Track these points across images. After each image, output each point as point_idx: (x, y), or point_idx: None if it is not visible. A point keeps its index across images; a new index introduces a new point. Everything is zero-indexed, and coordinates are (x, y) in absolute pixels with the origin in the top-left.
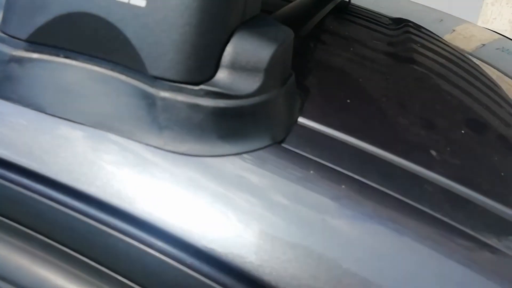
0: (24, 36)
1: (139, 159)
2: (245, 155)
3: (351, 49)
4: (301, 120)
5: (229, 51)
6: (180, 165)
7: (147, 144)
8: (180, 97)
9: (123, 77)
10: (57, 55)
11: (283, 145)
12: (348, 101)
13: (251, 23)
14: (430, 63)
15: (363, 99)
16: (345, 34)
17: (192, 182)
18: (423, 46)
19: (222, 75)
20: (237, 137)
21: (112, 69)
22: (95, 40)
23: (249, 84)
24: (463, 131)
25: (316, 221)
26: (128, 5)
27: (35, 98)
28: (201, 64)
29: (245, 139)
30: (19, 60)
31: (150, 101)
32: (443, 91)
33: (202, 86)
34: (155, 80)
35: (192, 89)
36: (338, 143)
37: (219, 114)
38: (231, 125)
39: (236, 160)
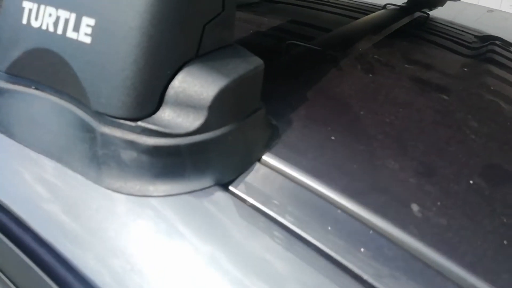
0: (3, 68)
1: (75, 191)
2: (178, 197)
3: (393, 75)
4: (266, 158)
5: (174, 86)
6: (112, 201)
7: (86, 178)
8: (118, 133)
9: (74, 110)
10: (29, 87)
11: (231, 187)
12: (333, 138)
13: (210, 56)
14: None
15: (359, 136)
16: (403, 55)
17: (118, 218)
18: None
19: (164, 112)
20: (172, 177)
21: (67, 102)
22: (54, 74)
23: (190, 122)
24: None
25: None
26: (76, 41)
27: (8, 125)
28: (140, 101)
29: (181, 180)
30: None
31: (92, 136)
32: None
33: (139, 123)
34: (100, 114)
35: (130, 126)
36: (299, 189)
37: (153, 153)
38: (167, 164)
39: (167, 201)
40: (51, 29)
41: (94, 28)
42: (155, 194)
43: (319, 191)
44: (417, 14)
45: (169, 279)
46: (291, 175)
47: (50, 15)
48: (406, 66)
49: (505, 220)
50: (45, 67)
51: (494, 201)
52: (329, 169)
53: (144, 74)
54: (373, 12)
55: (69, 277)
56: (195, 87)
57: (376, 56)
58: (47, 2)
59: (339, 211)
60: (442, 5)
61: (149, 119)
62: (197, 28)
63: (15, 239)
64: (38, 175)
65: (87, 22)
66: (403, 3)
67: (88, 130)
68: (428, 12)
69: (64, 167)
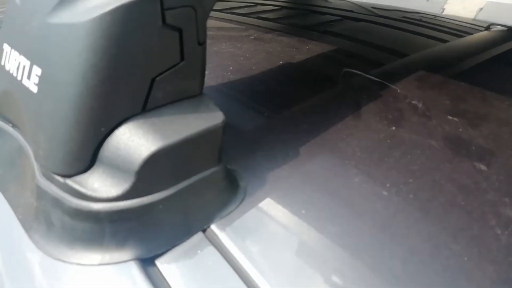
0: None
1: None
2: (95, 268)
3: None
4: (213, 228)
5: (108, 145)
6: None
7: (22, 226)
8: (49, 188)
9: (30, 155)
10: (7, 123)
11: (157, 262)
12: (303, 211)
13: (158, 111)
14: None
15: (335, 216)
16: (458, 99)
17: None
18: None
19: (94, 171)
20: (90, 245)
21: (26, 145)
22: (18, 116)
23: (116, 186)
24: None
25: None
26: (28, 89)
27: None
28: (71, 158)
29: (99, 249)
30: None
31: (33, 185)
32: None
33: (68, 181)
34: (38, 165)
35: (60, 182)
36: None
37: (74, 215)
38: (86, 230)
39: (80, 271)
40: (14, 73)
41: (40, 78)
42: (69, 260)
43: (256, 285)
44: None
45: None
46: (235, 260)
47: (15, 59)
48: (449, 117)
49: None
50: (13, 108)
51: None
52: (281, 255)
53: (76, 131)
54: (471, 34)
55: None
56: (127, 148)
57: (418, 101)
58: (15, 47)
59: None
60: None
61: (78, 177)
62: (144, 82)
63: None
64: None
65: (36, 71)
66: None
67: (32, 178)
68: None
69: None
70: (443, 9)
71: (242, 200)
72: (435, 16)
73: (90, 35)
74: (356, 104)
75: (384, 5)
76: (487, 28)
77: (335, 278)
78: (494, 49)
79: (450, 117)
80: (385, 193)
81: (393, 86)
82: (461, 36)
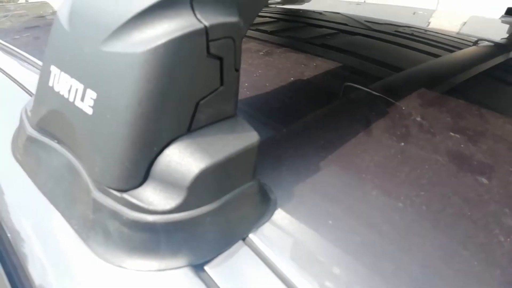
0: (35, 122)
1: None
2: (151, 273)
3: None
4: (252, 237)
5: (159, 162)
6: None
7: (79, 236)
8: (106, 202)
9: (81, 171)
10: (53, 140)
11: (206, 267)
12: (330, 222)
13: (202, 132)
14: None
15: (358, 225)
16: (457, 116)
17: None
18: None
19: (148, 186)
20: (147, 253)
21: (77, 162)
22: (68, 134)
23: (169, 200)
24: None
25: None
26: (82, 111)
27: (34, 173)
28: (126, 174)
29: (155, 257)
30: (31, 139)
31: (88, 199)
32: None
33: (124, 195)
34: (93, 180)
35: (116, 196)
36: (276, 281)
37: (132, 226)
38: (144, 239)
39: (139, 276)
40: (65, 95)
41: (95, 101)
42: (129, 267)
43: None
44: None
45: None
46: (273, 264)
47: (66, 82)
48: (451, 134)
49: None
50: (62, 126)
51: None
52: (311, 260)
53: (131, 150)
54: (460, 49)
55: None
56: (178, 166)
57: (422, 118)
58: (65, 70)
59: None
60: None
61: (134, 191)
62: (190, 106)
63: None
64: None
65: (91, 94)
66: (501, 38)
67: (86, 193)
68: None
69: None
70: (429, 23)
71: (274, 211)
72: (425, 30)
73: (145, 65)
74: (364, 119)
75: (375, 19)
76: (475, 43)
77: (360, 278)
78: (484, 64)
79: (452, 134)
80: (400, 204)
81: (393, 101)
82: (452, 51)
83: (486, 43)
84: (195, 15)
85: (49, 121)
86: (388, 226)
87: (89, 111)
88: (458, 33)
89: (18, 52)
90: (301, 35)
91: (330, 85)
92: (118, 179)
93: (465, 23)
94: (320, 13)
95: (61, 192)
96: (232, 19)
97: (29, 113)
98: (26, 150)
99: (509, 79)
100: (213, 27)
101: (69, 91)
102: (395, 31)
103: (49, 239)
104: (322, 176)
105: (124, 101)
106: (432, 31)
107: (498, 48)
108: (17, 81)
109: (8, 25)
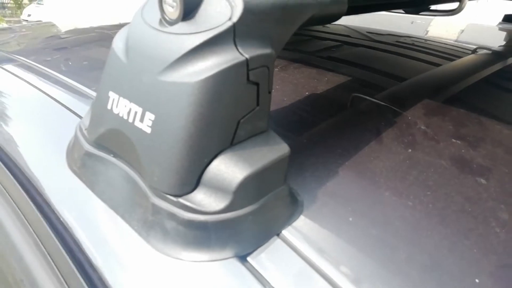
0: (93, 138)
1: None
2: (203, 264)
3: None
4: (285, 233)
5: (209, 171)
6: (153, 259)
7: (138, 235)
8: (164, 205)
9: (137, 180)
10: (109, 154)
11: (248, 259)
12: (350, 219)
13: (242, 145)
14: None
15: (376, 220)
16: (459, 123)
17: (152, 272)
18: None
19: (199, 191)
20: (200, 246)
21: (133, 172)
22: (125, 149)
23: (218, 202)
24: None
25: None
26: (141, 130)
27: (91, 181)
28: (181, 182)
29: (207, 250)
30: (88, 154)
31: (146, 204)
32: None
33: (180, 199)
34: (153, 188)
35: (173, 200)
36: (309, 270)
37: (187, 225)
38: (197, 236)
39: (194, 266)
40: (125, 116)
41: (153, 121)
42: (186, 259)
43: (330, 278)
44: (510, 60)
45: None
46: (304, 254)
47: (125, 106)
48: (453, 140)
49: None
50: (119, 142)
51: None
52: (336, 250)
53: (186, 162)
54: (460, 57)
55: None
56: (224, 174)
57: (426, 126)
58: (124, 96)
59: None
60: None
61: (188, 196)
62: (232, 124)
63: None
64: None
65: (149, 116)
66: (499, 45)
67: (144, 199)
68: None
69: (125, 223)
70: (427, 31)
71: (302, 211)
72: (425, 40)
73: (198, 92)
74: (374, 128)
75: (376, 29)
76: (474, 51)
77: (374, 266)
78: (483, 72)
79: (454, 140)
80: (410, 203)
81: (399, 110)
82: (451, 60)
83: (485, 51)
84: (237, 49)
85: (107, 139)
86: (400, 222)
87: (148, 130)
88: (456, 40)
89: (54, 74)
90: (308, 48)
91: (340, 97)
92: (174, 187)
93: (462, 31)
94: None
95: (119, 199)
96: (267, 50)
97: (84, 132)
98: (83, 164)
99: (507, 86)
100: (252, 58)
101: (129, 113)
102: (396, 41)
103: (113, 239)
104: (341, 180)
105: (179, 122)
106: (431, 40)
107: (496, 55)
108: (61, 102)
109: (32, 45)
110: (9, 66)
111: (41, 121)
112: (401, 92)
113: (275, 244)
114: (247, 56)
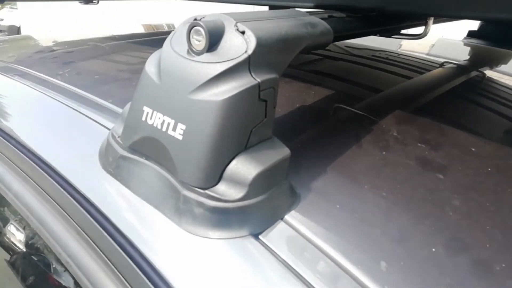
0: (127, 144)
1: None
2: (230, 241)
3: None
4: (287, 217)
5: (228, 169)
6: (186, 239)
7: (170, 221)
8: (193, 196)
9: (168, 177)
10: (142, 157)
11: (260, 236)
12: (338, 206)
13: (253, 149)
14: None
15: (356, 207)
16: (424, 130)
17: (186, 249)
18: None
19: (221, 185)
20: (223, 227)
21: (164, 171)
22: (158, 153)
23: (237, 193)
24: None
25: None
26: (173, 137)
27: (127, 180)
28: (208, 178)
29: (229, 230)
30: (123, 157)
31: (177, 195)
32: None
33: (206, 191)
34: (183, 183)
35: (200, 192)
36: (308, 245)
37: (213, 211)
38: (220, 219)
39: (219, 242)
40: (159, 127)
41: (185, 131)
42: (212, 237)
43: (322, 249)
44: (474, 73)
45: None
46: (302, 233)
47: (159, 118)
48: (419, 144)
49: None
50: (152, 147)
51: (449, 267)
52: (327, 229)
53: (211, 162)
54: (429, 70)
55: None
56: (241, 171)
57: (397, 133)
58: (158, 110)
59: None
60: (506, 63)
61: (212, 188)
62: (246, 132)
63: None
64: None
65: (181, 126)
66: (464, 60)
67: (175, 191)
68: (484, 71)
69: (159, 212)
70: (401, 45)
71: (299, 201)
72: (398, 54)
73: (221, 109)
74: (354, 134)
75: (354, 43)
76: (441, 65)
77: (356, 243)
78: (448, 84)
79: (419, 144)
80: (384, 194)
81: (375, 119)
82: (421, 73)
83: (451, 65)
84: (251, 75)
85: (141, 144)
86: (375, 209)
87: (180, 137)
88: (428, 54)
89: (71, 88)
90: (293, 61)
91: (324, 107)
92: (202, 181)
93: (433, 45)
94: None
95: (153, 193)
96: (273, 75)
97: (118, 139)
98: (118, 165)
99: (468, 97)
100: (263, 82)
101: (162, 124)
102: (372, 55)
103: (151, 225)
104: (330, 177)
105: (206, 131)
106: (403, 54)
107: (461, 69)
108: (83, 113)
109: (36, 58)
110: (20, 78)
111: (59, 128)
112: (377, 102)
113: (280, 225)
114: (259, 80)
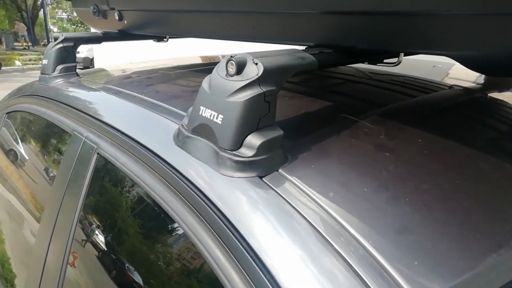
0: (190, 128)
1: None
2: (245, 179)
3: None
4: (281, 170)
5: (246, 140)
6: (223, 179)
7: (213, 169)
8: (226, 154)
9: (212, 145)
10: (198, 136)
11: (264, 179)
12: (312, 166)
13: (261, 130)
14: None
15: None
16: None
17: (226, 184)
18: None
19: (242, 148)
20: (243, 171)
21: (211, 142)
22: (207, 132)
23: (250, 152)
24: None
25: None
26: (216, 122)
27: (190, 150)
28: (234, 144)
29: (246, 172)
30: (188, 136)
31: (217, 155)
32: None
33: (234, 152)
34: (221, 147)
35: (230, 152)
36: (293, 185)
37: (237, 162)
38: (242, 167)
39: (243, 180)
40: (208, 117)
41: (223, 119)
42: (235, 176)
43: (300, 187)
44: (478, 94)
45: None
46: (290, 179)
47: (209, 112)
48: (412, 149)
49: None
50: (204, 129)
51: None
52: (307, 179)
53: (237, 136)
54: (436, 91)
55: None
56: (253, 141)
57: (393, 139)
58: (208, 107)
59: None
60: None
61: (237, 151)
62: (257, 120)
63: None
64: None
65: (220, 116)
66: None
67: (216, 153)
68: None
69: (207, 165)
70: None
71: (289, 162)
72: (415, 79)
73: (243, 106)
74: (341, 126)
75: (377, 70)
76: (450, 87)
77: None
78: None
79: (413, 150)
80: (344, 162)
81: (375, 127)
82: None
83: (458, 87)
84: (260, 87)
85: (198, 128)
86: (335, 167)
87: (220, 122)
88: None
89: (152, 100)
90: (318, 84)
91: (333, 116)
92: (231, 146)
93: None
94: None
95: (204, 155)
96: (273, 87)
97: (185, 126)
98: (184, 141)
99: (470, 115)
100: (267, 91)
101: (210, 115)
102: (390, 80)
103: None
104: (310, 150)
105: (235, 117)
106: (419, 79)
107: (467, 91)
108: (163, 116)
109: (127, 82)
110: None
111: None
112: (379, 114)
113: (276, 174)
114: (264, 90)
